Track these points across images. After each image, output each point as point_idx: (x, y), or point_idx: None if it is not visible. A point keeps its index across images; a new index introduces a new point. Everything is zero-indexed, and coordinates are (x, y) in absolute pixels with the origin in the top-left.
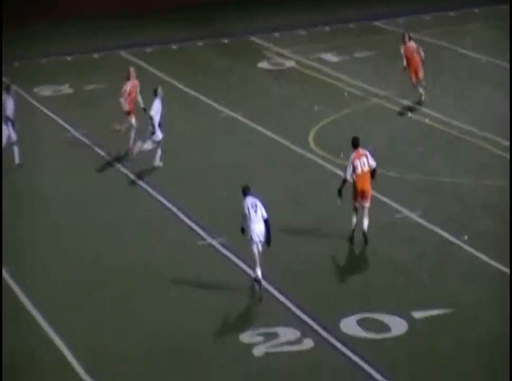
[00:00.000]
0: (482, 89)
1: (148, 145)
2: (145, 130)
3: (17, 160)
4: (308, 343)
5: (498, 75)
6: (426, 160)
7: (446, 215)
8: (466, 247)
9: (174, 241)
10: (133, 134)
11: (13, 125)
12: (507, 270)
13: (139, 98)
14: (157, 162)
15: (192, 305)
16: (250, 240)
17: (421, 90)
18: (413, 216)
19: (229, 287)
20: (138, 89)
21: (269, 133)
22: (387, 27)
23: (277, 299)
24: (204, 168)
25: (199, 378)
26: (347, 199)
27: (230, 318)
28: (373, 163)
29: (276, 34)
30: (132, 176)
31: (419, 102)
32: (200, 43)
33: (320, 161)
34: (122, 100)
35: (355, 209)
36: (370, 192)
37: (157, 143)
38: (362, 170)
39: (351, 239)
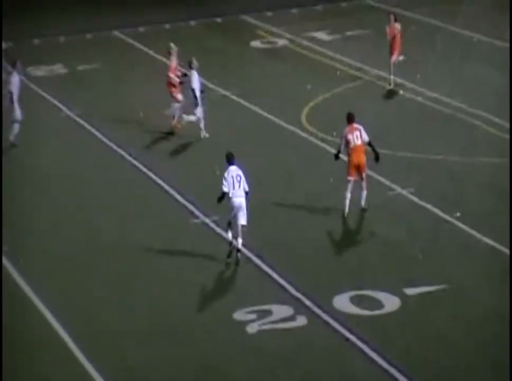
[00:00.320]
0: (474, 67)
1: (193, 118)
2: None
3: (11, 139)
4: (301, 320)
5: (489, 54)
6: (418, 138)
7: (439, 193)
8: (459, 224)
9: (169, 219)
10: (178, 110)
11: (18, 102)
12: (500, 246)
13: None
14: (204, 133)
15: (186, 283)
16: (230, 210)
17: (392, 73)
18: (406, 193)
19: (223, 265)
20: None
21: (261, 111)
22: (380, 5)
23: (271, 277)
24: (196, 145)
25: (193, 356)
26: (339, 176)
27: (224, 296)
28: (366, 137)
29: (269, 13)
30: (128, 157)
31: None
32: (193, 23)
33: (312, 139)
34: (171, 74)
35: (349, 183)
36: (365, 164)
37: (201, 115)
38: (355, 144)
39: (344, 215)
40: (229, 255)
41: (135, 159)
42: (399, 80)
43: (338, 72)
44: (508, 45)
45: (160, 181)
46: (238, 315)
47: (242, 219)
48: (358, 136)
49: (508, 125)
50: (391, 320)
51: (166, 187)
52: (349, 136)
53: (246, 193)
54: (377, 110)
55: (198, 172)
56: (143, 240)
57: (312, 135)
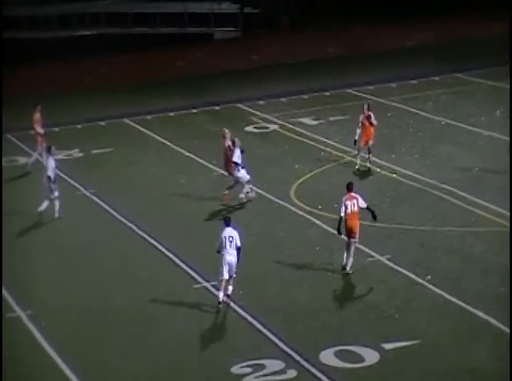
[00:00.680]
0: (443, 147)
1: (246, 189)
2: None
3: (56, 214)
4: (291, 373)
5: (456, 135)
6: (394, 210)
7: (412, 258)
8: (430, 286)
9: (171, 285)
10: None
11: (54, 182)
12: (466, 306)
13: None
14: (252, 194)
15: (189, 342)
16: (220, 266)
17: (359, 158)
18: (384, 259)
19: (222, 326)
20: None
21: (255, 188)
22: (358, 93)
23: (265, 334)
24: (197, 217)
25: None
26: (325, 245)
27: (222, 351)
28: (363, 203)
29: (261, 102)
30: (133, 226)
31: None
32: (194, 111)
33: (301, 212)
34: (226, 155)
35: (347, 245)
36: (358, 230)
37: (247, 182)
38: (352, 210)
39: (344, 268)
40: (218, 311)
41: (143, 231)
42: (376, 160)
43: (322, 153)
44: (473, 128)
45: (164, 250)
46: (236, 369)
47: (232, 271)
48: (355, 203)
49: (472, 198)
50: (371, 372)
51: (169, 254)
52: (347, 203)
53: (239, 249)
54: (356, 186)
55: (197, 239)
56: (145, 304)
57: (300, 209)
